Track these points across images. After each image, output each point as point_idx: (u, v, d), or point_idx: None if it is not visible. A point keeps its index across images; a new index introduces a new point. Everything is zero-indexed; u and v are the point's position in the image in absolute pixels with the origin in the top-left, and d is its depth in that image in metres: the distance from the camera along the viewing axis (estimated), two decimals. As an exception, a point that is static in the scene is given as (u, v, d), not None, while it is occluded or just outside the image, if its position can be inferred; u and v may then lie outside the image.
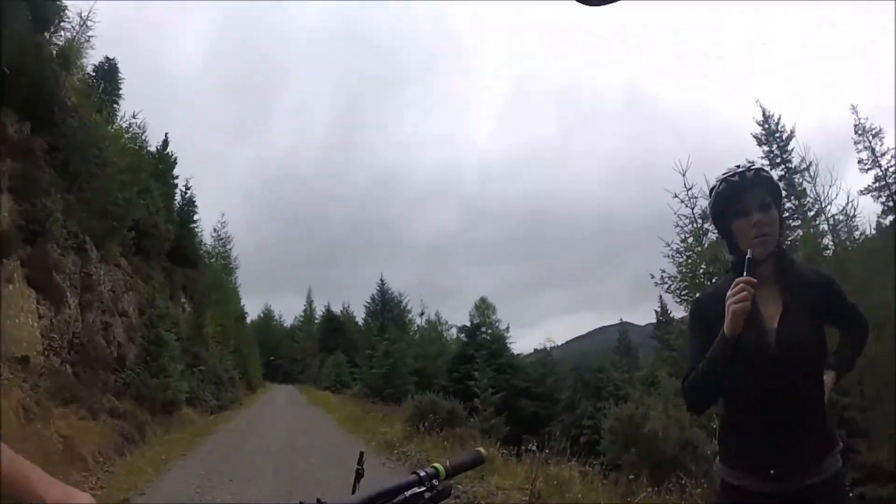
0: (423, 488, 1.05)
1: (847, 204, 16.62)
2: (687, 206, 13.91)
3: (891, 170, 19.33)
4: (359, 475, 1.09)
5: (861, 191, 19.52)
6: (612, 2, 1.19)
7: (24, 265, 10.01)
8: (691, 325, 1.93)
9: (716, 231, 2.15)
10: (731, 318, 1.61)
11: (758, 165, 1.81)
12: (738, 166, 1.80)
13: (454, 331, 42.55)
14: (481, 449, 1.25)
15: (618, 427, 12.11)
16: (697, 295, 2.47)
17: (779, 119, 21.92)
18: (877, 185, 19.74)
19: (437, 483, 1.07)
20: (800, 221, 19.28)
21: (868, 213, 18.81)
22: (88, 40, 16.77)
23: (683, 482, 7.13)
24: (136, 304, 16.97)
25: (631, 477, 8.45)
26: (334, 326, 56.72)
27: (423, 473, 1.07)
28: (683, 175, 13.35)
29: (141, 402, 13.37)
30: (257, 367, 43.86)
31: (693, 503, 6.64)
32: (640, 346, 39.52)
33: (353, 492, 1.03)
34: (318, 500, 0.93)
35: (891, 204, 18.87)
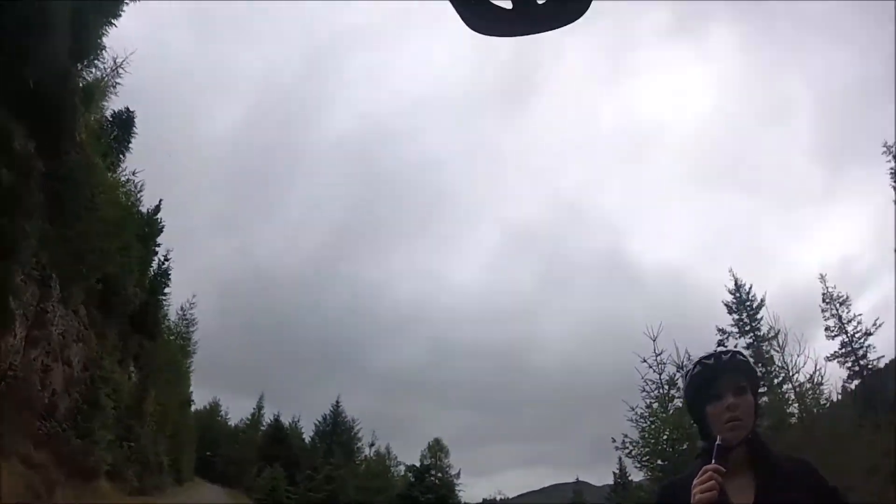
0: None
1: (814, 372, 17.00)
2: (655, 371, 14.19)
3: (857, 335, 19.91)
4: None
5: (827, 357, 20.03)
6: (499, 36, 1.17)
7: (-19, 279, 9.46)
8: None
9: (681, 397, 2.15)
10: None
11: (735, 349, 1.82)
12: (715, 349, 1.78)
13: (402, 468, 40.43)
14: None
15: None
16: (666, 481, 2.43)
17: (750, 288, 22.94)
18: (843, 350, 20.24)
19: None
20: (766, 389, 19.46)
21: (834, 378, 19.22)
22: (115, 86, 17.26)
23: None
24: (83, 357, 15.86)
25: None
26: (279, 437, 53.25)
27: None
28: (654, 340, 13.75)
29: (59, 460, 12.02)
30: (191, 459, 40.45)
31: None
32: (594, 508, 37.53)
33: None
34: None
35: (856, 369, 19.23)
